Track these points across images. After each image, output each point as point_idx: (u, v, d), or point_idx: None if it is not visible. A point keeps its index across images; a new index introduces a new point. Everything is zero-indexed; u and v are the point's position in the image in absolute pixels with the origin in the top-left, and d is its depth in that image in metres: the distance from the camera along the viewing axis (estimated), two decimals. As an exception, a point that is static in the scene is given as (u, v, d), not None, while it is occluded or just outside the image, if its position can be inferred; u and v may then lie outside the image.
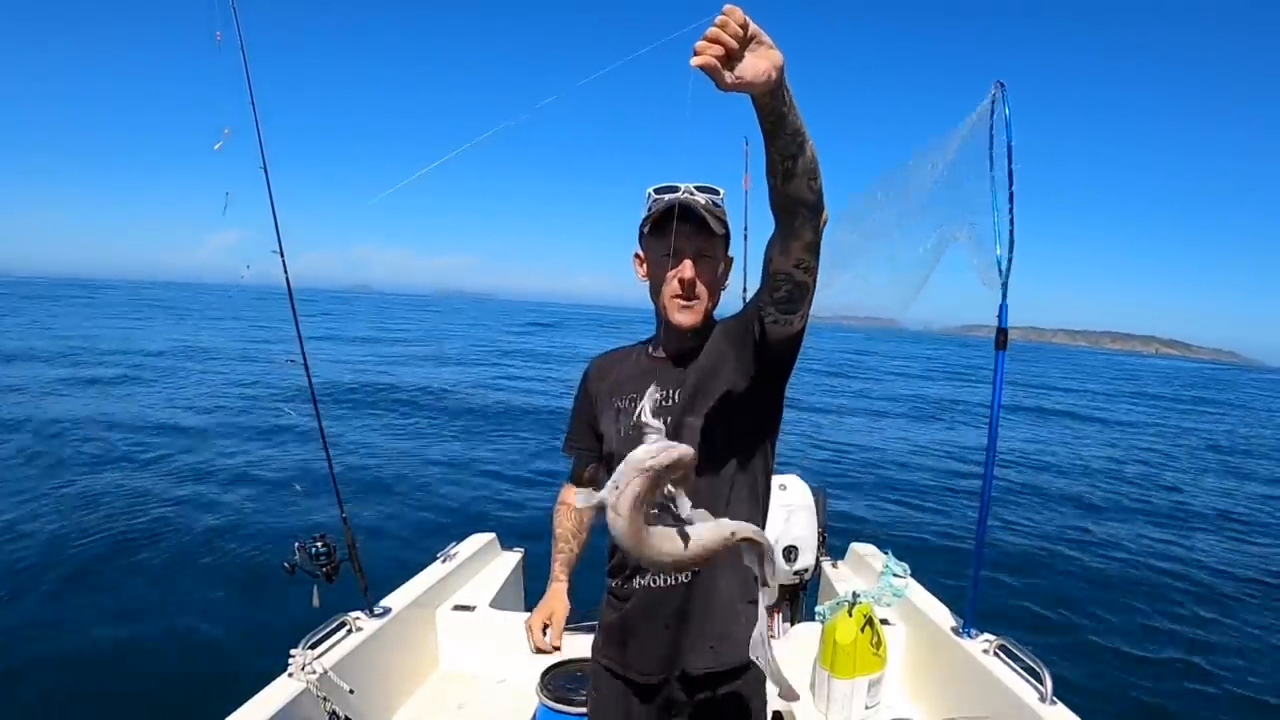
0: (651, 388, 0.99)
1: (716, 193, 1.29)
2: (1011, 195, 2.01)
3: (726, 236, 1.29)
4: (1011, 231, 2.03)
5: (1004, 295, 2.06)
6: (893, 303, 2.16)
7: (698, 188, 1.27)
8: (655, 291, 1.30)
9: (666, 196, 1.26)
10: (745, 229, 3.29)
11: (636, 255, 1.34)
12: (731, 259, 1.35)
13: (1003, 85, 1.99)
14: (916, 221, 1.94)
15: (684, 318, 1.26)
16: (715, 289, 1.29)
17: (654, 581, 1.28)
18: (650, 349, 1.37)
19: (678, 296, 1.25)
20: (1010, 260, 2.04)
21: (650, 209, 1.28)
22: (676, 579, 1.26)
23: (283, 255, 2.22)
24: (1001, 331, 2.10)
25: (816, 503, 3.04)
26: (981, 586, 2.30)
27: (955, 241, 2.00)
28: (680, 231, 1.18)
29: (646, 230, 1.27)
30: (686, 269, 1.23)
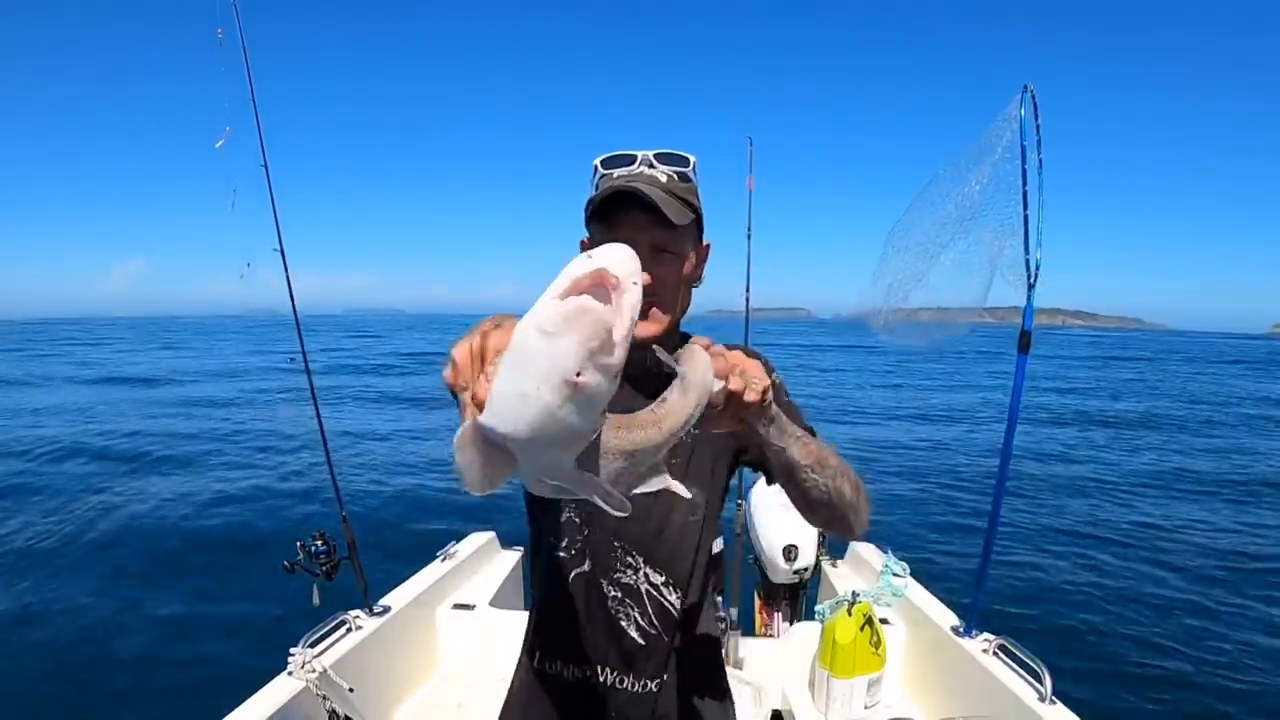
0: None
1: (684, 163, 0.97)
2: (1024, 198, 1.96)
3: (697, 222, 0.99)
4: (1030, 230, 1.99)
5: (1030, 297, 1.99)
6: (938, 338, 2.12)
7: (659, 156, 0.96)
8: None
9: (615, 172, 0.96)
10: (749, 230, 3.28)
11: (582, 243, 1.01)
12: (707, 246, 1.05)
13: (1026, 89, 1.92)
14: (964, 256, 1.91)
15: (640, 328, 0.90)
16: (680, 291, 0.99)
17: (616, 680, 1.02)
18: None
19: None
20: (1039, 264, 1.96)
21: (596, 187, 0.98)
22: (644, 684, 1.02)
23: (283, 254, 2.22)
24: (1025, 334, 2.04)
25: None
26: (983, 586, 2.30)
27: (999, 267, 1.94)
28: (630, 222, 0.91)
29: (589, 216, 0.97)
30: None
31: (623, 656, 1.02)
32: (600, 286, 0.45)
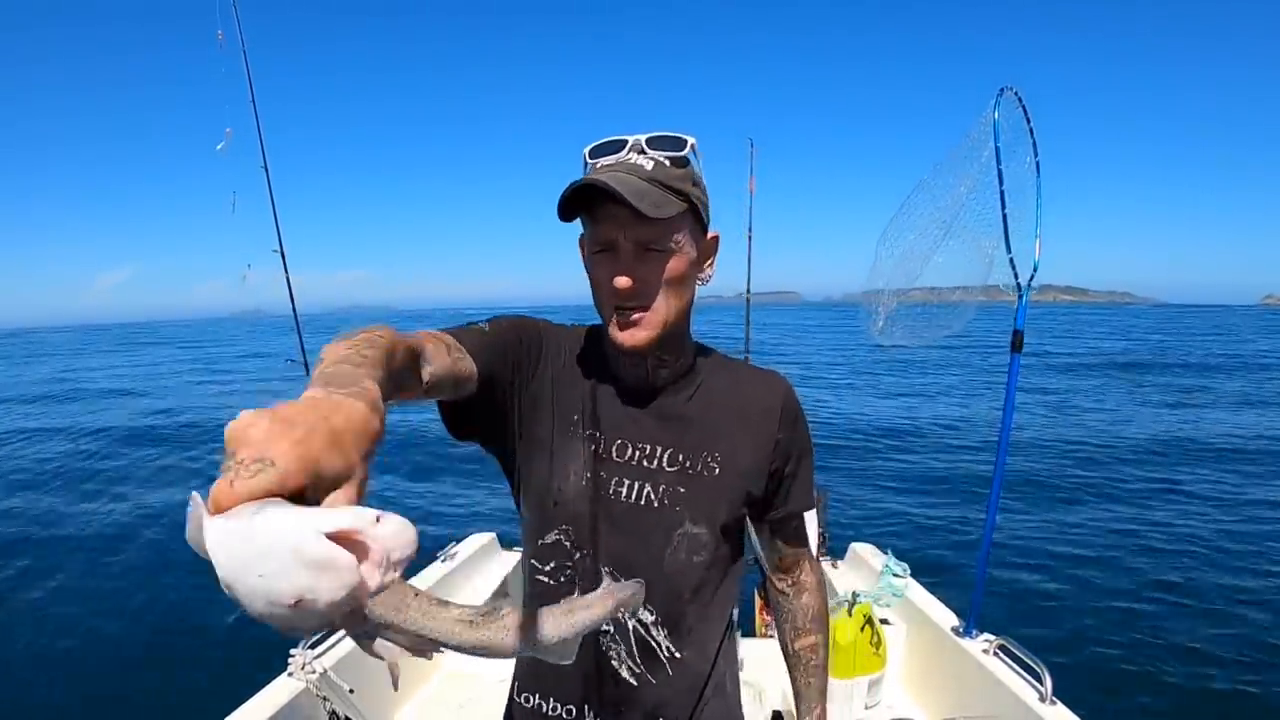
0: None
1: (679, 145, 0.86)
2: (1001, 198, 1.97)
3: (694, 211, 0.87)
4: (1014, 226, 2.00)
5: (1023, 297, 2.00)
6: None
7: (651, 140, 0.86)
8: (593, 295, 0.92)
9: (600, 162, 0.86)
10: (750, 231, 3.30)
11: (582, 240, 0.93)
12: (714, 238, 0.94)
13: (1003, 91, 1.93)
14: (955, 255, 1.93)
15: (625, 336, 0.88)
16: (675, 291, 0.88)
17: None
18: (612, 366, 0.96)
19: (615, 308, 0.88)
20: (1036, 265, 1.97)
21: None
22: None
23: (283, 255, 2.22)
24: (1017, 333, 2.06)
25: (816, 502, 3.04)
26: (982, 586, 2.30)
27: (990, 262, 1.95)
28: (609, 218, 0.83)
29: (560, 213, 0.87)
30: (621, 275, 0.85)
31: (610, 697, 0.95)
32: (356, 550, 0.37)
